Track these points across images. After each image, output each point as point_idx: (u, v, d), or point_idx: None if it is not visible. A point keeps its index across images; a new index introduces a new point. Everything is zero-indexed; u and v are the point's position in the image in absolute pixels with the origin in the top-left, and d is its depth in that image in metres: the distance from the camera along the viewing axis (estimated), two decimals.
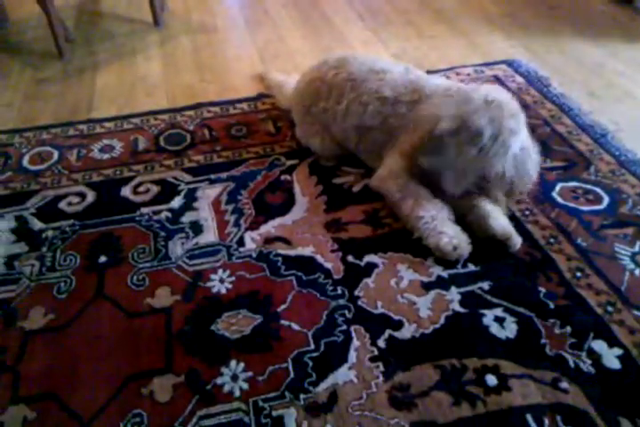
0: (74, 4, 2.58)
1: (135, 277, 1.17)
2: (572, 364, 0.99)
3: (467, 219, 1.24)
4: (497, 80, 1.82)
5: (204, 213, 1.34)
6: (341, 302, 1.11)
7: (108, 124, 1.69)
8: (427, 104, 1.28)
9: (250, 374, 0.98)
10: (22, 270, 1.20)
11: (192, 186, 1.43)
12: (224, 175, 1.46)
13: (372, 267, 1.18)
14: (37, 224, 1.32)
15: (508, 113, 1.16)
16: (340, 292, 1.13)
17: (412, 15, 2.34)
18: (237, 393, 0.96)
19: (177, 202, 1.38)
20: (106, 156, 1.55)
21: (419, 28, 2.24)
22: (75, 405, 0.94)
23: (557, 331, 1.04)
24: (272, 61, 2.05)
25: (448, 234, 1.18)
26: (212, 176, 1.46)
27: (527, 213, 1.31)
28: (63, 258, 1.22)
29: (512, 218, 1.27)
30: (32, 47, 2.22)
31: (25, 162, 1.53)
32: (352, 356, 1.01)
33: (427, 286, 1.14)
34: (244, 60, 2.06)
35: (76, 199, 1.39)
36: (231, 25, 2.37)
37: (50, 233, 1.29)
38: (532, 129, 1.57)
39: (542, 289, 1.12)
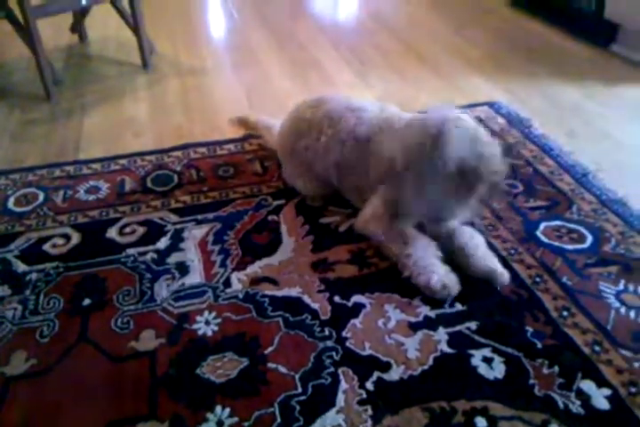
0: (63, 47, 2.64)
1: (120, 320, 1.16)
2: (561, 405, 0.98)
3: (453, 257, 1.24)
4: (480, 121, 1.87)
5: (191, 253, 1.34)
6: (329, 343, 1.10)
7: (94, 166, 1.70)
8: (383, 139, 1.28)
9: (236, 419, 0.96)
10: (4, 314, 1.18)
11: (179, 226, 1.43)
12: (211, 216, 1.46)
13: (359, 307, 1.18)
14: (21, 267, 1.30)
15: (468, 136, 1.12)
16: (327, 333, 1.12)
17: (397, 59, 2.42)
18: None
19: (163, 243, 1.37)
20: (92, 197, 1.55)
21: (403, 70, 2.31)
22: None
23: (545, 371, 1.04)
24: (259, 103, 2.09)
25: (438, 273, 1.18)
26: (199, 217, 1.46)
27: (512, 252, 1.33)
28: (47, 301, 1.21)
29: (498, 256, 1.28)
30: (20, 89, 2.25)
31: (10, 204, 1.53)
32: (340, 399, 0.99)
33: (414, 327, 1.14)
34: (232, 102, 2.10)
35: (60, 241, 1.38)
36: (219, 67, 2.42)
37: (34, 276, 1.27)
38: (514, 169, 1.61)
39: (530, 328, 1.13)
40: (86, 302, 1.20)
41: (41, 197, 1.56)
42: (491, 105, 1.98)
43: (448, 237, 1.26)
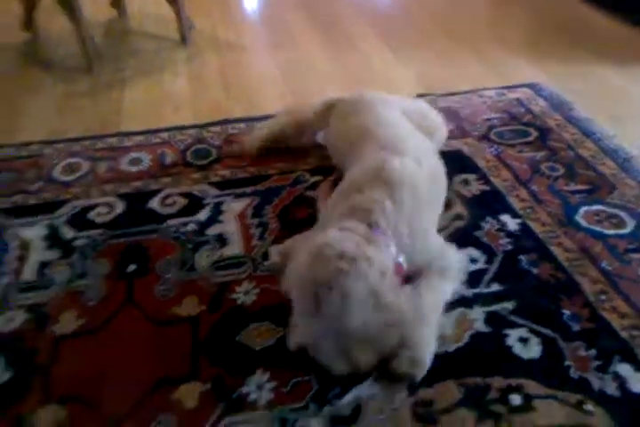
0: (103, 21, 2.66)
1: (162, 287, 1.19)
2: (596, 386, 0.99)
3: None
4: (519, 103, 1.85)
5: (230, 226, 1.37)
6: None
7: (136, 138, 1.73)
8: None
9: (274, 384, 0.99)
10: (53, 277, 1.22)
11: (218, 200, 1.45)
12: (249, 190, 1.48)
13: None
14: (68, 233, 1.34)
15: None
16: None
17: (435, 38, 2.39)
18: (263, 402, 0.96)
19: (203, 215, 1.40)
20: (134, 168, 1.59)
21: (440, 50, 2.28)
22: (104, 408, 0.96)
23: (582, 353, 1.04)
24: (296, 81, 2.09)
25: None
26: (238, 191, 1.48)
27: (551, 235, 1.32)
28: (93, 266, 1.24)
29: (536, 240, 1.28)
30: (63, 62, 2.29)
31: (56, 173, 1.57)
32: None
33: (451, 305, 1.15)
34: (268, 79, 2.11)
35: (105, 210, 1.42)
36: (256, 44, 2.42)
37: (80, 241, 1.31)
38: (555, 152, 1.60)
39: (566, 311, 1.13)
40: (131, 268, 1.24)
41: (85, 166, 1.59)
42: (531, 87, 1.95)
43: None
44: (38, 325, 1.12)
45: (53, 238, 1.33)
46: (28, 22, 2.44)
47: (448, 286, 1.12)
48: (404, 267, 1.05)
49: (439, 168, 1.35)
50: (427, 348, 0.99)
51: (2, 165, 1.62)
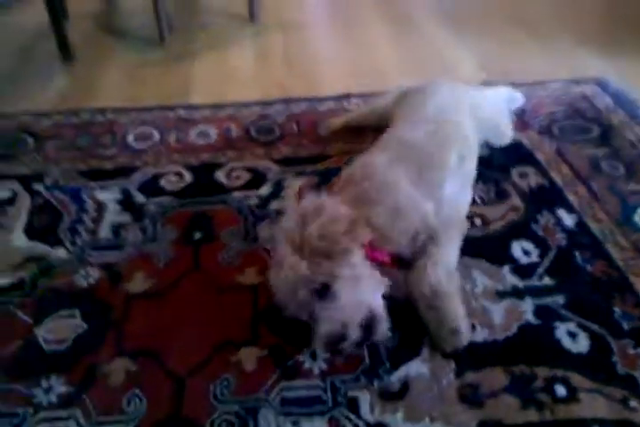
0: None
1: (226, 255, 1.26)
2: None
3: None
4: (584, 98, 1.83)
5: (290, 202, 1.42)
6: None
7: (204, 112, 1.79)
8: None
9: (328, 355, 1.05)
10: (127, 238, 1.30)
11: (280, 176, 1.50)
12: (309, 169, 1.53)
13: None
14: (140, 198, 1.42)
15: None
16: None
17: (501, 24, 2.35)
18: (317, 371, 1.02)
19: (265, 189, 1.46)
20: (201, 141, 1.65)
21: (506, 37, 2.25)
22: (171, 363, 1.04)
23: (630, 351, 1.06)
24: (359, 61, 2.11)
25: None
26: (298, 168, 1.53)
27: (607, 232, 1.32)
28: (163, 231, 1.32)
29: (591, 236, 1.29)
30: (136, 32, 2.37)
31: (129, 140, 1.65)
32: (425, 351, 1.06)
33: (501, 294, 1.18)
34: (331, 59, 2.14)
35: (174, 178, 1.49)
36: (321, 23, 2.44)
37: (151, 207, 1.39)
38: (617, 150, 1.58)
39: (618, 309, 1.14)
40: (197, 235, 1.31)
41: (157, 136, 1.67)
42: (598, 82, 1.91)
43: None
44: (112, 282, 1.20)
45: (126, 202, 1.41)
46: None
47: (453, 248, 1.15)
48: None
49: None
50: (458, 317, 1.05)
51: (79, 129, 1.71)
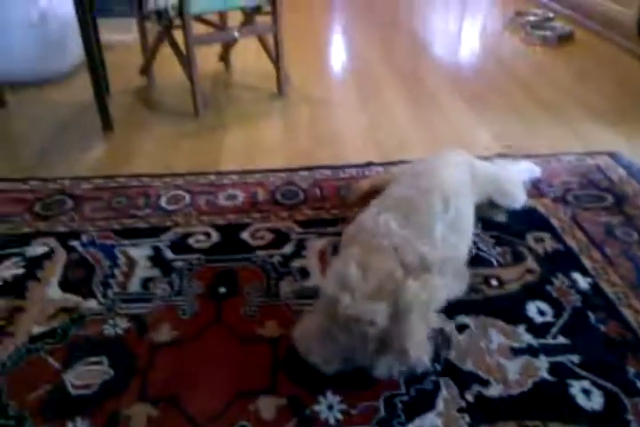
0: (210, 73, 2.95)
1: (248, 309, 1.31)
2: None
3: None
4: (598, 170, 1.90)
5: (311, 261, 1.48)
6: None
7: (233, 177, 1.91)
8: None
9: (344, 406, 1.07)
10: (155, 292, 1.37)
11: (302, 236, 1.58)
12: (330, 230, 1.61)
13: (463, 327, 1.26)
14: (169, 255, 1.51)
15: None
16: None
17: (516, 102, 2.49)
18: (332, 421, 1.05)
19: (288, 248, 1.53)
20: (229, 203, 1.75)
21: (521, 113, 2.38)
22: (191, 410, 1.07)
23: None
24: (380, 134, 2.24)
25: None
26: (320, 230, 1.61)
27: (621, 296, 1.35)
28: (189, 285, 1.39)
29: (605, 298, 1.32)
30: (172, 107, 2.56)
31: (162, 202, 1.76)
32: (440, 404, 1.08)
33: (516, 352, 1.20)
34: (354, 131, 2.27)
35: (202, 237, 1.58)
36: (344, 99, 2.61)
37: (179, 263, 1.47)
38: (630, 219, 1.63)
39: (631, 369, 1.15)
40: (222, 290, 1.38)
41: (187, 198, 1.78)
42: (611, 155, 2.00)
43: None
44: (139, 332, 1.26)
45: (156, 259, 1.49)
46: (147, 69, 2.75)
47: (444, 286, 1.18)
48: None
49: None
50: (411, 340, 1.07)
51: (117, 191, 1.83)
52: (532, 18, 3.51)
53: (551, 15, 3.56)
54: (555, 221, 1.64)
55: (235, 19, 2.77)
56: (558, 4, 3.73)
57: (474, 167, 1.58)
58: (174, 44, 2.50)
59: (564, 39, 3.19)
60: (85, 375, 1.16)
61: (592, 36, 3.32)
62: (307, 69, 2.99)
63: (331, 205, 1.74)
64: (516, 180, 1.68)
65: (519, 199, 1.65)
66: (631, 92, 2.53)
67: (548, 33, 3.22)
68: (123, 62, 3.03)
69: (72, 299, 1.36)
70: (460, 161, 1.58)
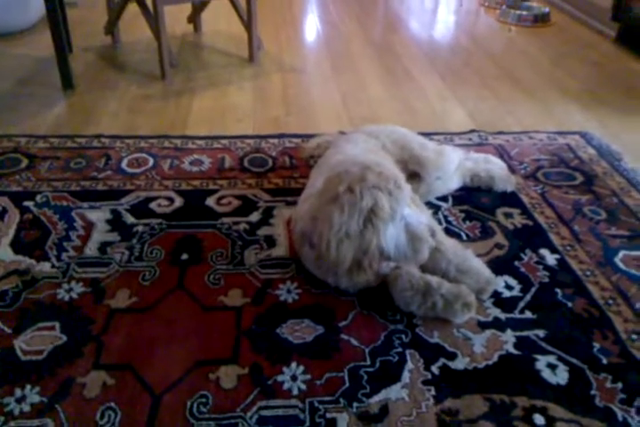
0: (178, 35, 2.83)
1: (212, 277, 1.26)
2: (620, 417, 1.01)
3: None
4: (569, 149, 1.90)
5: (279, 229, 1.44)
6: (399, 326, 1.17)
7: (199, 142, 1.84)
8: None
9: (308, 376, 1.04)
10: (113, 256, 1.31)
11: (270, 204, 1.53)
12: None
13: None
14: (130, 219, 1.44)
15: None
16: (398, 317, 1.19)
17: (491, 80, 2.47)
18: (295, 392, 1.02)
19: (255, 216, 1.48)
20: (195, 169, 1.68)
21: (496, 91, 2.35)
22: (148, 378, 1.02)
23: (608, 385, 1.07)
24: (353, 105, 2.19)
25: None
26: (289, 198, 1.56)
27: (588, 273, 1.35)
28: (150, 251, 1.33)
29: (572, 275, 1.32)
30: (138, 67, 2.44)
31: (123, 164, 1.68)
32: (405, 376, 1.06)
33: (483, 325, 1.19)
34: (327, 101, 2.21)
35: (165, 202, 1.51)
36: (318, 68, 2.55)
37: (140, 228, 1.41)
38: (599, 198, 1.64)
39: (597, 345, 1.15)
40: (184, 256, 1.32)
41: (150, 162, 1.70)
42: (582, 135, 2.00)
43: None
44: (95, 297, 1.20)
45: (116, 222, 1.42)
46: (111, 28, 2.62)
47: None
48: None
49: None
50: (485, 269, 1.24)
51: (76, 152, 1.74)
52: None
53: None
54: (524, 198, 1.63)
55: None
56: None
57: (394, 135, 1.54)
58: (141, 2, 2.38)
59: (540, 20, 3.17)
60: (37, 341, 1.09)
61: (567, 17, 3.31)
62: (280, 37, 2.90)
63: (300, 173, 1.69)
64: (439, 151, 1.56)
65: (432, 172, 1.52)
66: (605, 76, 2.53)
67: (524, 13, 3.19)
68: (88, 20, 2.89)
69: (24, 261, 1.28)
70: (385, 131, 1.56)
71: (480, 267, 1.27)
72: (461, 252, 1.28)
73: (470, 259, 1.27)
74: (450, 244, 1.28)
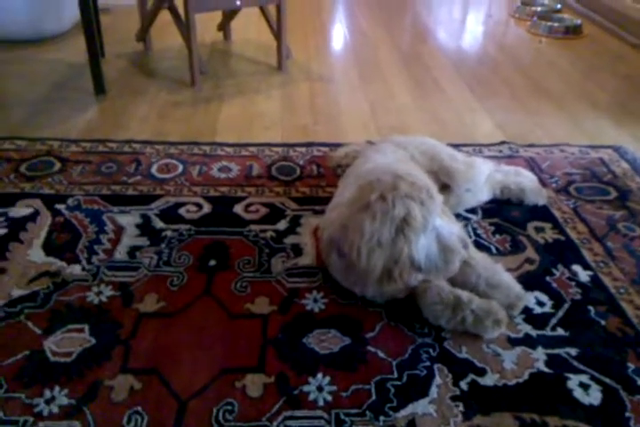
0: (208, 42, 2.86)
1: (239, 284, 1.26)
2: None
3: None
4: (602, 163, 1.87)
5: (306, 238, 1.43)
6: (427, 340, 1.15)
7: (228, 149, 1.85)
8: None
9: (334, 388, 1.03)
10: (142, 261, 1.32)
11: (297, 213, 1.53)
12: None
13: None
14: (159, 224, 1.45)
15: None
16: (426, 330, 1.17)
17: (520, 90, 2.44)
18: (321, 403, 1.00)
19: (282, 224, 1.48)
20: (223, 175, 1.69)
21: (525, 103, 2.33)
22: (175, 384, 1.02)
23: None
24: (381, 115, 2.18)
25: None
26: (317, 207, 1.56)
27: (622, 291, 1.32)
28: (178, 256, 1.34)
29: (606, 293, 1.29)
30: (168, 74, 2.47)
31: (153, 170, 1.69)
32: (433, 391, 1.04)
33: (513, 342, 1.16)
34: (355, 110, 2.21)
35: (193, 208, 1.52)
36: (346, 77, 2.55)
37: (169, 233, 1.41)
38: (634, 214, 1.60)
39: (632, 365, 1.12)
40: (212, 262, 1.32)
41: (180, 168, 1.71)
42: (615, 149, 1.96)
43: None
44: (124, 301, 1.20)
45: (145, 227, 1.43)
46: (143, 34, 2.66)
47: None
48: None
49: None
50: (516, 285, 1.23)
51: (107, 157, 1.76)
52: (539, 8, 3.45)
53: (559, 6, 3.50)
54: (556, 212, 1.60)
55: None
56: None
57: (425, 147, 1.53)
58: (173, 10, 2.41)
59: (572, 31, 3.14)
60: (66, 343, 1.10)
61: (599, 29, 3.27)
62: (309, 46, 2.91)
63: (327, 182, 1.68)
64: (469, 163, 1.54)
65: (462, 184, 1.49)
66: (636, 89, 2.49)
67: (555, 24, 3.16)
68: (121, 26, 2.94)
69: (55, 263, 1.30)
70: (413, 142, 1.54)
71: (510, 282, 1.24)
72: (491, 266, 1.26)
73: (500, 273, 1.25)
74: (480, 257, 1.27)
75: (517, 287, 1.24)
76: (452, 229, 1.13)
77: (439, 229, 1.11)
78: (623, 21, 3.08)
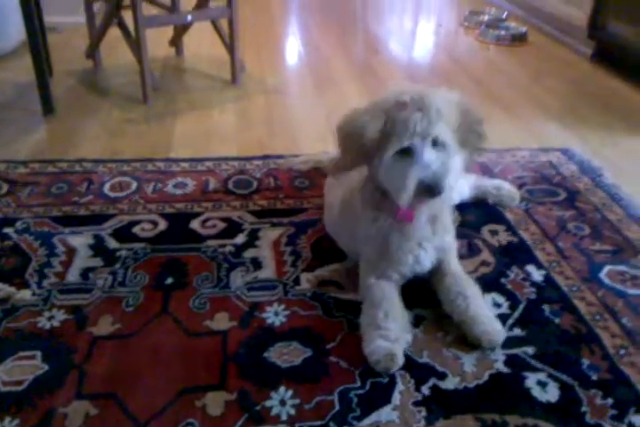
0: (160, 58, 2.84)
1: (197, 301, 1.25)
2: None
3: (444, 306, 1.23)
4: (551, 166, 1.92)
5: (265, 251, 1.43)
6: None
7: (183, 165, 1.83)
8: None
9: (297, 401, 1.02)
10: (95, 282, 1.29)
11: (255, 226, 1.52)
12: (285, 220, 1.55)
13: (420, 319, 1.23)
14: (112, 244, 1.42)
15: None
16: None
17: (471, 98, 2.47)
18: (284, 417, 0.99)
19: (240, 238, 1.47)
20: (179, 191, 1.67)
21: (477, 109, 2.37)
22: (132, 407, 0.99)
23: (599, 401, 1.06)
24: (334, 124, 2.18)
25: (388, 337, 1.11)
26: (275, 220, 1.55)
27: (574, 288, 1.35)
28: (133, 276, 1.31)
29: (559, 291, 1.32)
30: (119, 91, 2.44)
31: (106, 189, 1.67)
32: (396, 398, 1.04)
33: (472, 344, 1.18)
34: (311, 122, 2.22)
35: (149, 226, 1.50)
36: (301, 89, 2.57)
37: (123, 253, 1.39)
38: (582, 213, 1.65)
39: (586, 361, 1.15)
40: (169, 280, 1.30)
41: (134, 186, 1.69)
42: (563, 152, 2.02)
43: (438, 281, 1.27)
44: (77, 325, 1.17)
45: (98, 248, 1.40)
46: (92, 51, 2.62)
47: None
48: None
49: None
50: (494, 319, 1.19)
51: (57, 177, 1.72)
52: (486, 17, 3.55)
53: (504, 15, 3.61)
54: (509, 215, 1.64)
55: (188, 2, 2.67)
56: (511, 5, 3.79)
57: None
58: (123, 26, 2.39)
59: (518, 39, 3.24)
60: (17, 371, 1.06)
61: (544, 36, 3.38)
62: (263, 59, 2.93)
63: (285, 194, 1.68)
64: None
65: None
66: (583, 93, 2.58)
67: (502, 32, 3.26)
68: (69, 44, 2.90)
69: (4, 289, 1.26)
70: None
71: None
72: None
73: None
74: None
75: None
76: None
77: None
78: (567, 28, 3.19)
